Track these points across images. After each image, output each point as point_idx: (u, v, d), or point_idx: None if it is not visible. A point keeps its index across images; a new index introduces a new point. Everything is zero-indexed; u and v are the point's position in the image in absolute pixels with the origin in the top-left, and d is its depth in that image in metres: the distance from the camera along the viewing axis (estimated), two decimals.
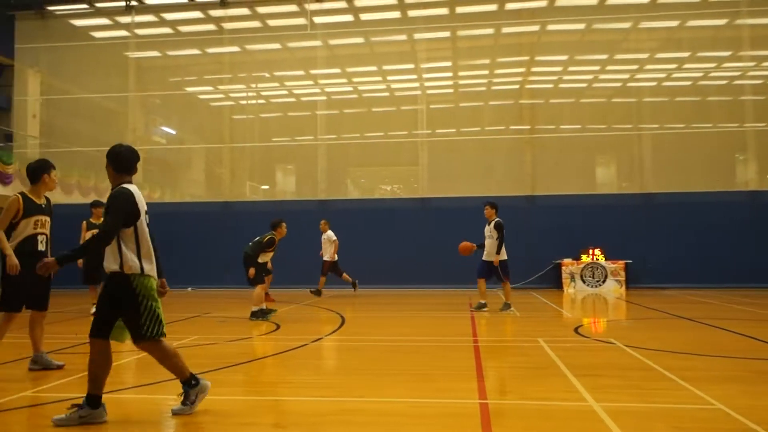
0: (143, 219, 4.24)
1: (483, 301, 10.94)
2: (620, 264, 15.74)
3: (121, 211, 4.07)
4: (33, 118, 20.60)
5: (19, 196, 5.61)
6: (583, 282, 15.76)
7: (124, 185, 4.19)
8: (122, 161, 4.26)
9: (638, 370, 5.72)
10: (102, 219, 10.37)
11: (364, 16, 19.10)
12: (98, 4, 19.60)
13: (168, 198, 20.26)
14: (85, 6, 19.62)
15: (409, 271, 16.39)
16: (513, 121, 18.50)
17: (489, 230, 10.95)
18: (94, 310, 10.24)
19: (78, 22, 20.09)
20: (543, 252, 16.37)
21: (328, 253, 14.35)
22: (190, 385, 4.28)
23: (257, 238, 10.03)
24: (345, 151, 19.28)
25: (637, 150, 17.84)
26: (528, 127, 18.05)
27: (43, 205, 5.76)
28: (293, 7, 18.94)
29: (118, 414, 4.34)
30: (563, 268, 15.97)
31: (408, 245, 16.64)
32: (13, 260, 5.42)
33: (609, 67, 18.74)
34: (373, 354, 6.87)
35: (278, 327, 8.82)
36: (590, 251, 15.97)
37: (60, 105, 20.46)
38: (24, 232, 5.58)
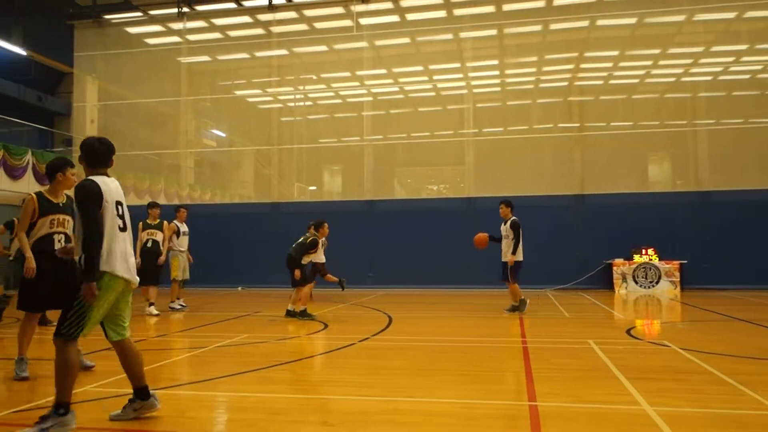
0: (110, 212, 4.03)
1: (522, 298, 10.59)
2: (675, 264, 15.27)
3: (89, 202, 3.94)
4: (91, 123, 21.41)
5: (34, 195, 5.57)
6: (636, 283, 15.36)
7: (92, 176, 4.07)
8: (94, 154, 4.14)
9: (695, 373, 5.54)
10: (157, 220, 10.68)
11: (410, 16, 19.10)
12: (152, 12, 20.20)
13: (218, 199, 20.73)
14: (139, 14, 20.25)
15: (456, 272, 16.30)
16: (562, 119, 18.19)
17: (506, 230, 10.61)
18: (152, 309, 10.57)
19: (133, 30, 20.75)
20: (593, 252, 16.03)
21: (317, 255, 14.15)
22: (57, 411, 3.81)
23: (300, 240, 10.10)
24: (391, 151, 19.33)
25: (692, 146, 17.27)
26: (577, 124, 17.71)
27: (61, 204, 5.65)
28: (339, 9, 19.10)
29: (173, 409, 4.47)
30: (614, 268, 15.60)
31: (454, 245, 16.54)
32: (31, 263, 5.40)
33: (662, 62, 18.21)
34: (421, 354, 6.87)
35: (326, 326, 8.91)
36: (643, 251, 15.55)
37: (116, 110, 21.17)
38: (40, 231, 5.51)
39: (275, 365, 6.11)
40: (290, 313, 9.83)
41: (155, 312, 10.52)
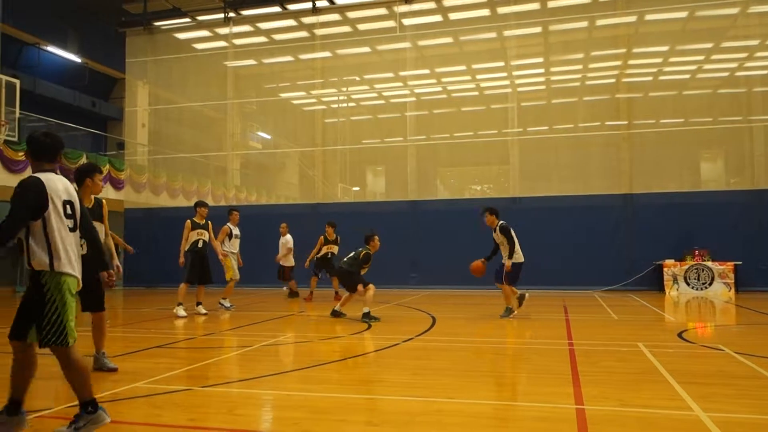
0: (56, 211, 3.79)
1: (519, 294, 10.26)
2: (729, 265, 14.76)
3: (23, 201, 3.68)
4: (142, 127, 22.07)
5: None
6: (687, 284, 14.91)
7: (37, 173, 3.84)
8: (39, 148, 3.90)
9: (751, 378, 5.35)
10: (204, 219, 10.82)
11: (453, 16, 19.01)
12: (199, 18, 20.67)
13: (264, 200, 21.06)
14: (187, 20, 20.75)
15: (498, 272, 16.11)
16: (609, 117, 17.81)
17: (497, 237, 10.15)
18: (201, 309, 10.79)
19: (181, 36, 21.28)
20: (642, 253, 15.64)
21: (286, 258, 14.16)
22: (86, 410, 3.80)
23: (352, 254, 9.96)
24: (434, 151, 19.28)
25: (747, 143, 16.67)
26: (625, 122, 17.31)
27: (89, 209, 5.69)
28: (382, 11, 19.16)
29: (222, 406, 4.57)
30: (665, 269, 15.18)
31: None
32: None
33: (715, 56, 17.65)
34: (465, 355, 6.83)
35: (370, 326, 8.95)
36: (695, 252, 15.09)
37: (165, 114, 21.74)
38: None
39: (320, 365, 6.17)
40: (366, 315, 9.61)
41: (203, 311, 10.75)
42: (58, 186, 3.85)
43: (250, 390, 5.19)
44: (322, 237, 13.46)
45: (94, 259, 5.63)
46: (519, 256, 10.03)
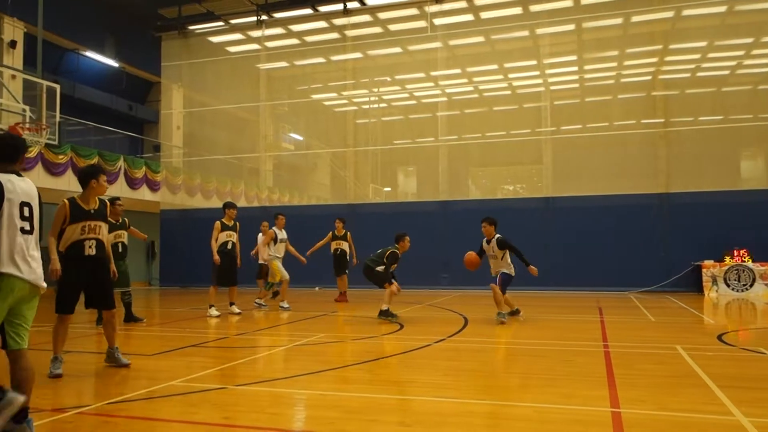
0: (9, 211, 3.72)
1: (515, 308, 9.96)
2: None
3: None
4: (177, 129, 22.48)
5: (67, 202, 5.69)
6: (727, 286, 14.53)
7: None
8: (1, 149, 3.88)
9: None
10: (233, 221, 10.84)
11: (484, 15, 18.89)
12: (233, 21, 20.95)
13: (296, 201, 21.23)
14: (221, 23, 21.05)
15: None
16: (645, 115, 17.47)
17: (490, 248, 9.73)
18: (234, 308, 10.92)
19: (215, 39, 21.60)
20: (680, 253, 15.30)
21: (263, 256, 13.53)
22: None
23: (379, 251, 9.87)
24: (466, 151, 19.18)
25: None
26: (662, 120, 16.96)
27: (92, 211, 5.78)
28: (413, 11, 19.14)
29: (255, 405, 4.62)
30: (704, 270, 14.82)
31: (532, 246, 16.14)
32: (55, 265, 5.45)
33: (755, 51, 17.16)
34: (497, 356, 6.78)
35: (402, 327, 8.94)
36: (735, 252, 14.70)
37: (200, 116, 22.10)
38: (71, 238, 5.67)
39: (352, 365, 6.19)
40: (384, 313, 9.55)
41: (237, 311, 10.88)
42: (18, 186, 3.80)
43: (283, 389, 5.23)
44: (331, 232, 13.26)
45: (99, 260, 5.78)
46: (512, 270, 9.69)
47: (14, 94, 12.60)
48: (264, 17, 20.32)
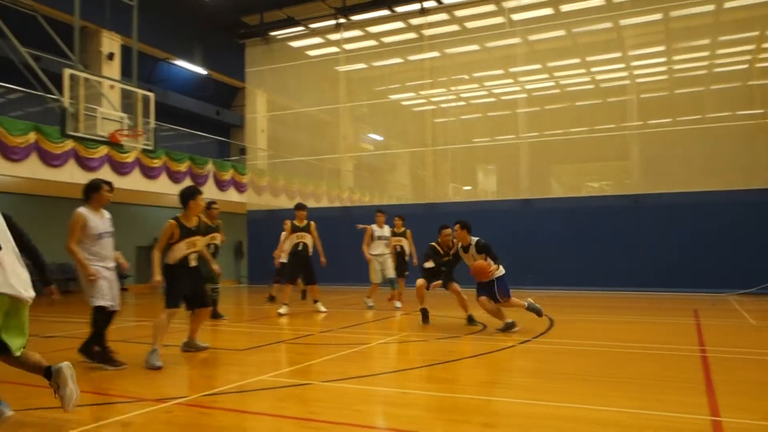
0: None
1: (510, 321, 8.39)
2: None
3: None
4: (261, 132, 23.23)
5: (174, 222, 6.28)
6: None
7: None
8: None
9: None
10: (305, 221, 10.94)
11: (564, 8, 18.34)
12: (312, 25, 21.40)
13: (376, 201, 21.41)
14: (301, 28, 21.56)
15: (620, 273, 15.35)
16: (741, 106, 16.45)
17: (471, 257, 8.52)
18: (320, 306, 11.12)
19: (295, 44, 22.14)
20: None
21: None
22: None
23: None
24: (547, 148, 18.72)
25: None
26: (761, 111, 15.91)
27: (194, 228, 6.39)
28: (491, 7, 18.88)
29: (340, 401, 4.70)
30: None
31: (618, 245, 15.63)
32: (157, 277, 6.11)
33: None
34: (587, 359, 6.58)
35: (485, 327, 8.85)
36: None
37: (282, 119, 22.73)
38: (179, 252, 6.28)
39: (435, 364, 6.19)
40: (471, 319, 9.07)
41: (323, 309, 11.10)
42: None
43: (367, 387, 5.30)
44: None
45: (198, 270, 6.52)
46: (501, 268, 8.48)
47: (113, 103, 13.41)
48: (342, 20, 20.64)
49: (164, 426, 4.11)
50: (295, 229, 10.90)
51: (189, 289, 6.38)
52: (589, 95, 18.87)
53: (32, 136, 14.53)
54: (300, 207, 11.10)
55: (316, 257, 11.08)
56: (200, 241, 6.54)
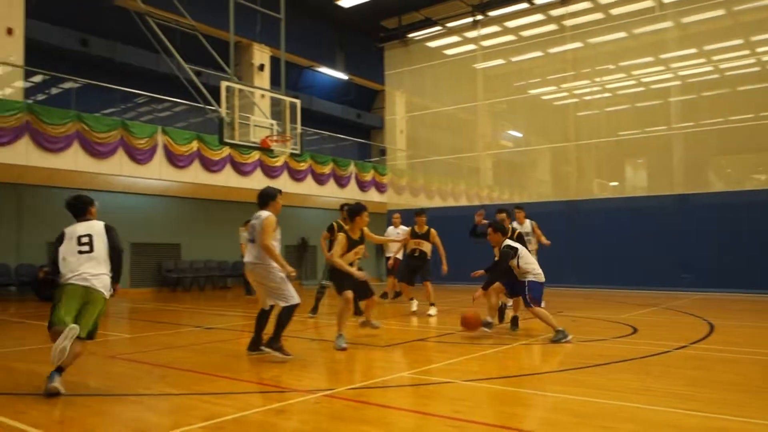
0: (69, 243, 5.01)
1: (489, 319, 8.07)
2: None
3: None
4: (400, 133, 23.71)
5: (345, 235, 7.15)
6: None
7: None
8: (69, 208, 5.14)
9: None
10: (425, 227, 10.79)
11: None
12: (449, 24, 21.46)
13: (516, 198, 21.01)
14: (438, 28, 21.70)
15: None
16: None
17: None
18: (431, 310, 10.97)
19: (433, 44, 22.32)
20: None
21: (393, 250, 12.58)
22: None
23: None
24: (704, 138, 17.26)
25: None
26: None
27: (357, 239, 7.20)
28: None
29: (482, 402, 4.69)
30: None
31: None
32: (356, 274, 7.05)
33: None
34: (753, 368, 6.01)
35: (635, 330, 8.37)
36: None
37: (421, 120, 23.02)
38: (347, 260, 7.15)
39: (581, 367, 5.98)
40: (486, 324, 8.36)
41: (431, 312, 10.64)
42: (77, 229, 5.15)
43: (510, 388, 5.24)
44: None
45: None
46: (536, 270, 7.85)
47: (264, 111, 14.36)
48: (479, 17, 20.46)
49: (314, 416, 4.35)
50: (414, 236, 10.65)
51: (352, 284, 7.09)
52: (754, 79, 17.16)
53: (195, 145, 16.01)
54: (420, 212, 10.84)
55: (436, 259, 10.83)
56: (361, 250, 7.33)
